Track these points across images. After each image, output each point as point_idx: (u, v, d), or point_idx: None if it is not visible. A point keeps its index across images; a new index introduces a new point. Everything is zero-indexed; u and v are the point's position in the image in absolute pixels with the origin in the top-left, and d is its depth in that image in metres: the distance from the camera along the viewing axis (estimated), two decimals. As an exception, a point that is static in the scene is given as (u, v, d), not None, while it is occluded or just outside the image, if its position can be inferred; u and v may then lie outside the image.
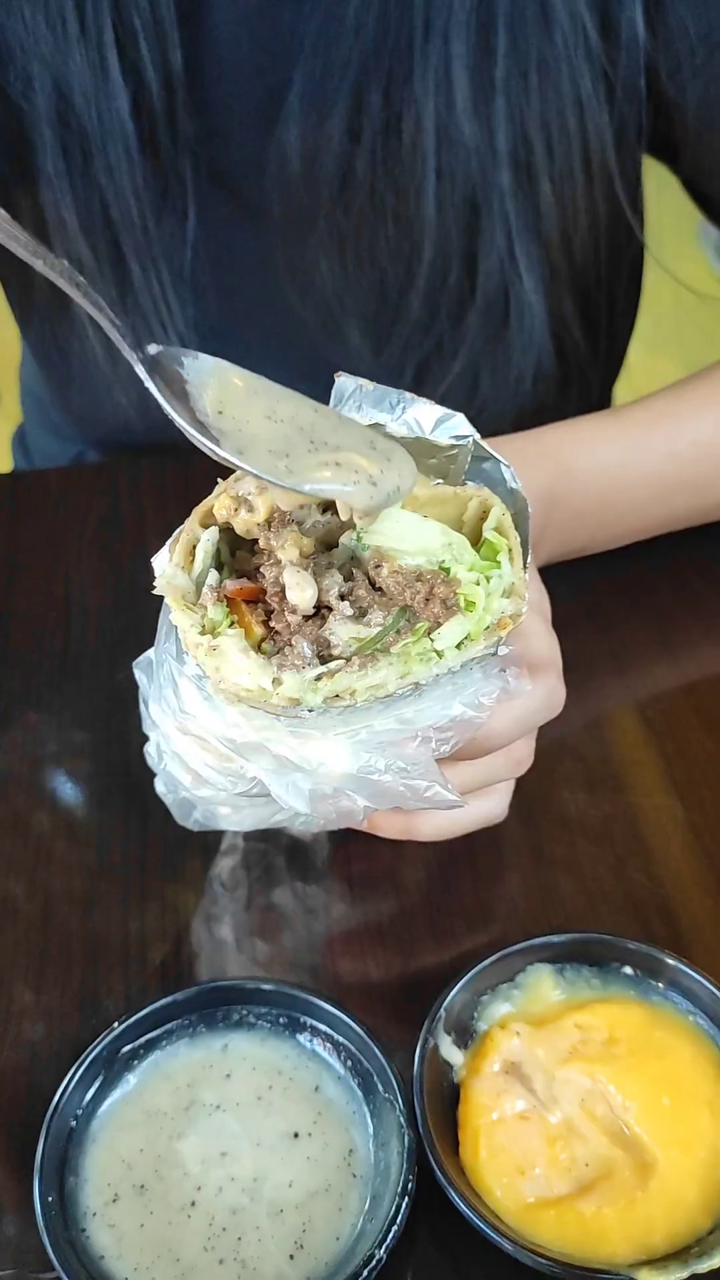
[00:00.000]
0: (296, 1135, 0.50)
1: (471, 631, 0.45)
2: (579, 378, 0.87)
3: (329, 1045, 0.52)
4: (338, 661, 0.44)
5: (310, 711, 0.44)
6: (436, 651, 0.45)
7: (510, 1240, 0.46)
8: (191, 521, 0.47)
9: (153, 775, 0.59)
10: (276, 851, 0.61)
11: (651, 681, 0.72)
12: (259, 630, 0.45)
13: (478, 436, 0.49)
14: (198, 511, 0.47)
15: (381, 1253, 0.45)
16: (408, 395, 0.48)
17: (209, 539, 0.46)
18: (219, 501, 0.47)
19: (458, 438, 0.48)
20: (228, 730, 0.46)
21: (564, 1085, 0.50)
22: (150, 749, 0.57)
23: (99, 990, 0.56)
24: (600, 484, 0.69)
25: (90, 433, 0.91)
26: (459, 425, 0.48)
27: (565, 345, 0.84)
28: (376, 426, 0.48)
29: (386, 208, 0.75)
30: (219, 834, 0.62)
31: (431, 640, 0.45)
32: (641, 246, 0.86)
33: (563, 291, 0.81)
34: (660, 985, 0.54)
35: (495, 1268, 0.47)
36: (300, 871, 0.61)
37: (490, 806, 0.56)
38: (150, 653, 0.51)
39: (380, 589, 0.46)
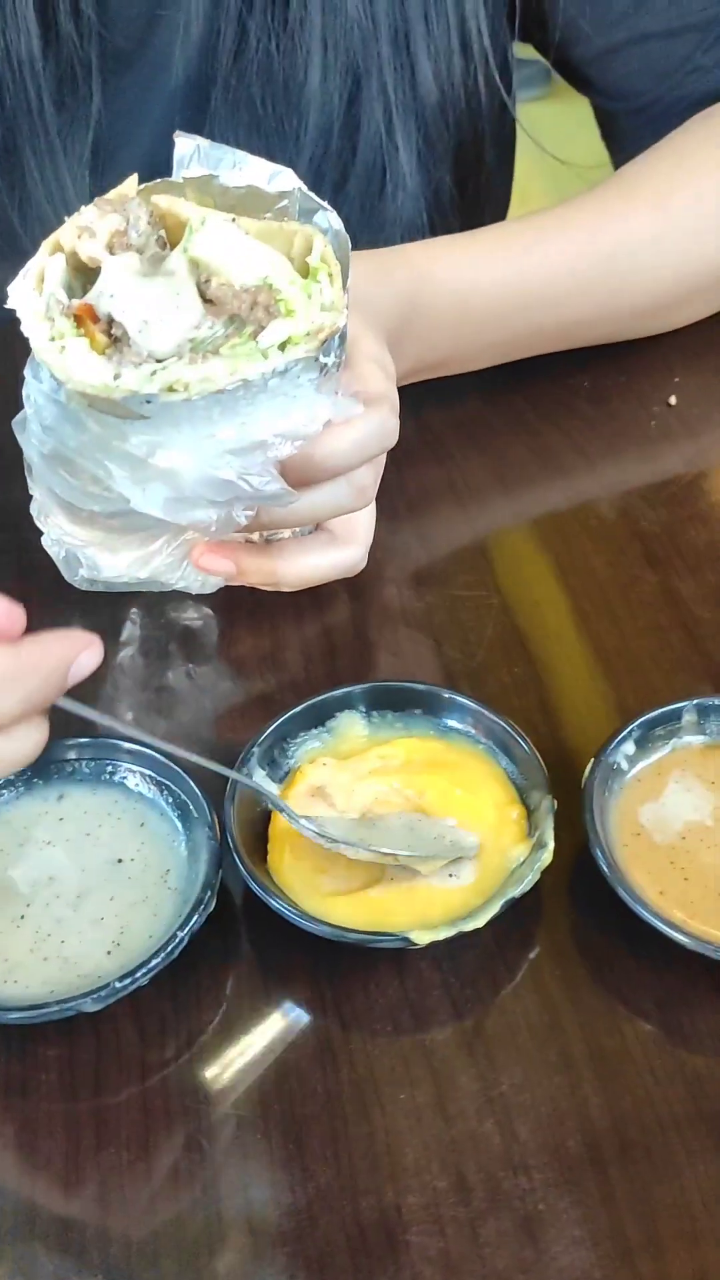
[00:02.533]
0: (120, 861, 0.55)
1: (293, 335, 0.52)
2: None
3: (153, 786, 0.57)
4: (171, 359, 0.51)
5: (148, 404, 0.50)
6: (262, 353, 0.51)
7: (304, 917, 0.51)
8: (41, 252, 0.54)
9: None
10: (170, 639, 0.67)
11: (489, 511, 0.77)
12: (103, 340, 0.52)
13: (304, 187, 0.56)
14: (47, 243, 0.54)
15: (183, 934, 0.50)
16: (241, 154, 0.57)
17: (57, 264, 0.53)
18: (64, 232, 0.54)
19: (285, 188, 0.56)
20: (84, 437, 0.52)
21: (362, 794, 0.56)
22: (33, 507, 0.62)
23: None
24: (458, 290, 0.74)
25: None
26: (288, 179, 0.56)
27: (439, 223, 0.90)
28: (209, 179, 0.56)
29: (277, 75, 0.82)
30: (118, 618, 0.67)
31: (256, 342, 0.51)
32: (514, 133, 0.92)
33: (438, 169, 0.88)
34: (457, 725, 0.59)
35: (294, 949, 0.53)
36: (190, 655, 0.66)
37: (351, 552, 0.62)
38: (24, 410, 0.57)
39: (210, 300, 0.52)
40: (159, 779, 0.57)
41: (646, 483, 0.77)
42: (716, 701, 0.58)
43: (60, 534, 0.61)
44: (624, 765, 0.57)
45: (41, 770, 0.57)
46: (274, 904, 0.52)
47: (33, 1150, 0.48)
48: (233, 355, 0.51)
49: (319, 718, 0.59)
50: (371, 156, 0.85)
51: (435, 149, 0.87)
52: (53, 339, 0.51)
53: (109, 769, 0.58)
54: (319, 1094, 0.49)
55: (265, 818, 0.57)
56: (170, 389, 0.50)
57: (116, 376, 0.50)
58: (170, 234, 0.55)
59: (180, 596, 0.67)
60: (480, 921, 0.51)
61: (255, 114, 0.84)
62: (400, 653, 0.67)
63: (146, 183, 0.56)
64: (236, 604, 0.68)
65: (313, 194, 0.56)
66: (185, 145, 0.57)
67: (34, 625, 0.46)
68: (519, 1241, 0.44)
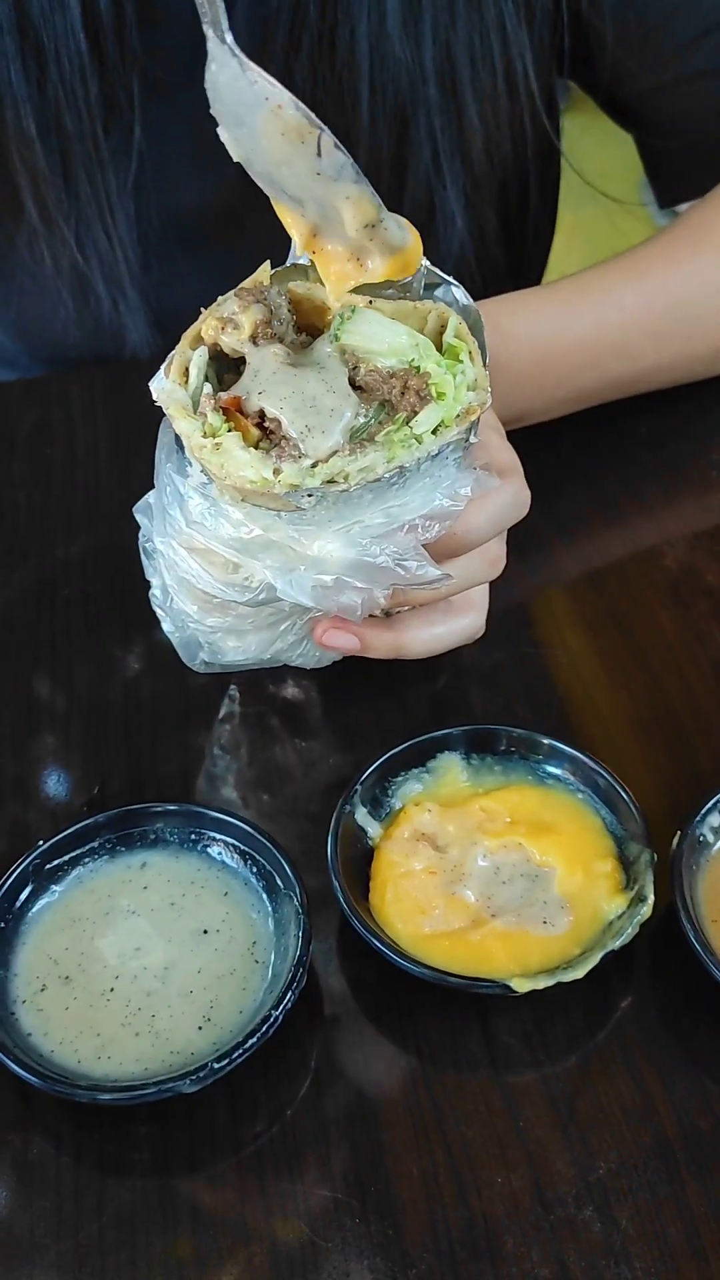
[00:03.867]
0: (205, 932, 0.55)
1: (444, 418, 0.52)
2: (497, 292, 0.93)
3: (236, 855, 0.57)
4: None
5: (309, 497, 0.50)
6: (416, 438, 0.51)
7: (404, 958, 0.52)
8: (182, 345, 0.53)
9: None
10: (272, 713, 0.67)
11: (550, 563, 0.77)
12: (255, 433, 0.51)
13: (428, 263, 0.55)
14: (187, 336, 0.54)
15: (278, 1013, 0.50)
16: None
17: (200, 356, 0.53)
18: (205, 324, 0.53)
19: None
20: (235, 531, 0.52)
21: (471, 847, 0.57)
22: (155, 592, 0.61)
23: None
24: (534, 348, 0.75)
25: (29, 344, 0.96)
26: None
27: (484, 259, 0.90)
28: None
29: (325, 117, 0.81)
30: (218, 701, 0.67)
31: (410, 428, 0.51)
32: (559, 170, 0.92)
33: (484, 206, 0.88)
34: (555, 772, 0.60)
35: (395, 990, 0.54)
36: (294, 729, 0.66)
37: (471, 620, 0.62)
38: (149, 496, 0.57)
39: (360, 387, 0.52)
40: (244, 848, 0.57)
41: (709, 533, 0.77)
42: None
43: (184, 620, 0.60)
44: (710, 838, 0.57)
45: (125, 837, 0.57)
46: (381, 948, 0.52)
47: (132, 1230, 0.48)
48: (388, 443, 0.50)
49: (420, 758, 0.60)
50: (420, 196, 0.85)
51: (481, 187, 0.87)
52: (205, 434, 0.50)
53: (193, 837, 0.57)
54: (415, 1175, 0.49)
55: (367, 856, 0.57)
56: (330, 481, 0.50)
57: (276, 472, 0.49)
58: (302, 318, 0.54)
59: (279, 671, 0.67)
60: (580, 972, 0.51)
61: None
62: (470, 712, 0.67)
63: (276, 268, 0.55)
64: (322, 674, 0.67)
65: (437, 269, 0.56)
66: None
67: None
68: (624, 1332, 0.45)
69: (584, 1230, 0.47)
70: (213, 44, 0.47)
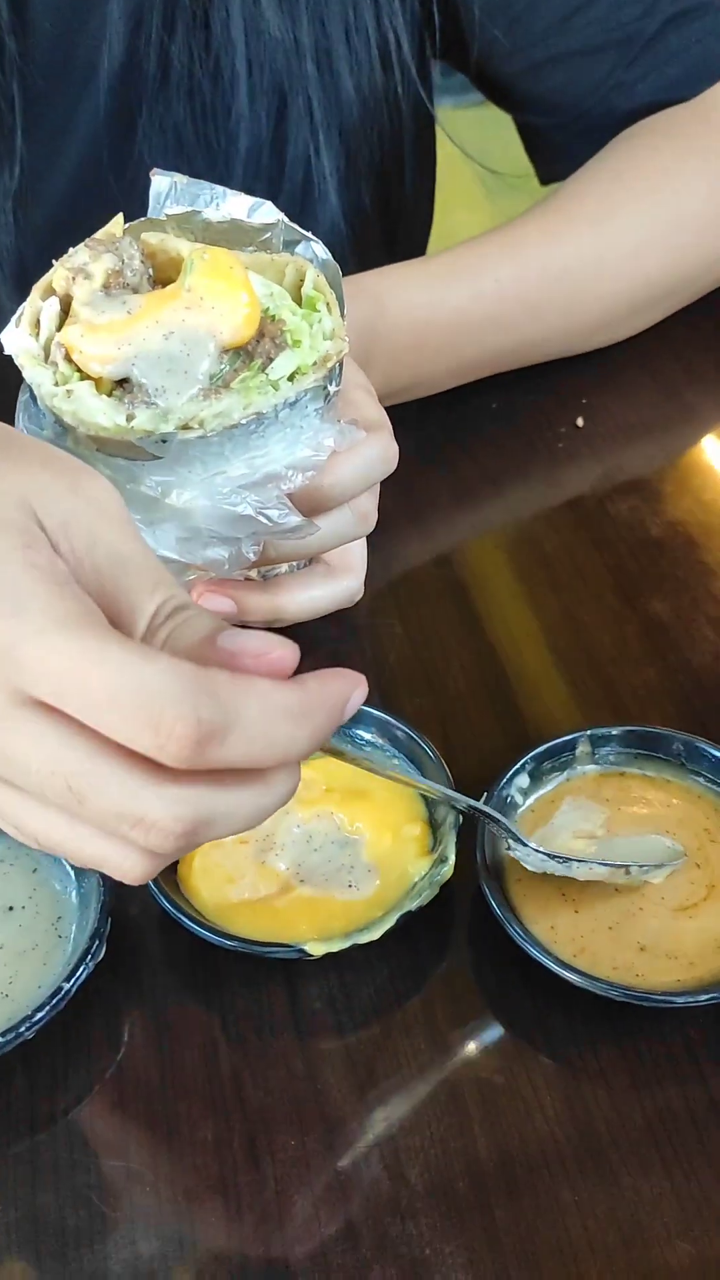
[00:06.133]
0: (11, 909, 0.55)
1: (301, 365, 0.52)
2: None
3: (45, 831, 0.56)
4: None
5: (164, 444, 0.49)
6: (272, 384, 0.51)
7: (206, 927, 0.52)
8: (32, 296, 0.53)
9: None
10: None
11: (397, 539, 0.76)
12: (109, 383, 0.51)
13: (286, 219, 0.56)
14: (38, 287, 0.54)
15: (70, 985, 0.50)
16: (218, 189, 0.56)
17: (51, 307, 0.53)
18: (56, 275, 0.53)
19: (269, 220, 0.56)
20: None
21: (285, 817, 0.57)
22: None
23: None
24: (411, 319, 0.75)
25: None
26: (269, 212, 0.56)
27: (362, 235, 0.90)
28: (192, 214, 0.56)
29: (204, 98, 0.82)
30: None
31: (267, 374, 0.51)
32: (434, 141, 0.93)
33: (361, 182, 0.88)
34: (370, 739, 0.60)
35: (203, 961, 0.54)
36: None
37: (349, 583, 0.63)
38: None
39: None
40: (51, 824, 0.56)
41: (552, 507, 0.78)
42: (610, 731, 0.59)
43: None
44: (518, 799, 0.57)
45: (-68, 817, 0.57)
46: (171, 910, 0.52)
47: None
48: (244, 389, 0.51)
49: None
50: (298, 173, 0.85)
51: (357, 162, 0.87)
52: (58, 383, 0.50)
53: None
54: (208, 1143, 0.49)
55: None
56: (186, 427, 0.50)
57: (129, 418, 0.49)
58: (159, 272, 0.55)
59: None
60: (375, 934, 0.51)
61: (183, 138, 0.84)
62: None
63: (130, 221, 0.55)
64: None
65: (296, 225, 0.56)
66: (162, 181, 0.56)
67: None
68: (404, 1288, 0.45)
69: (373, 1189, 0.47)
70: None
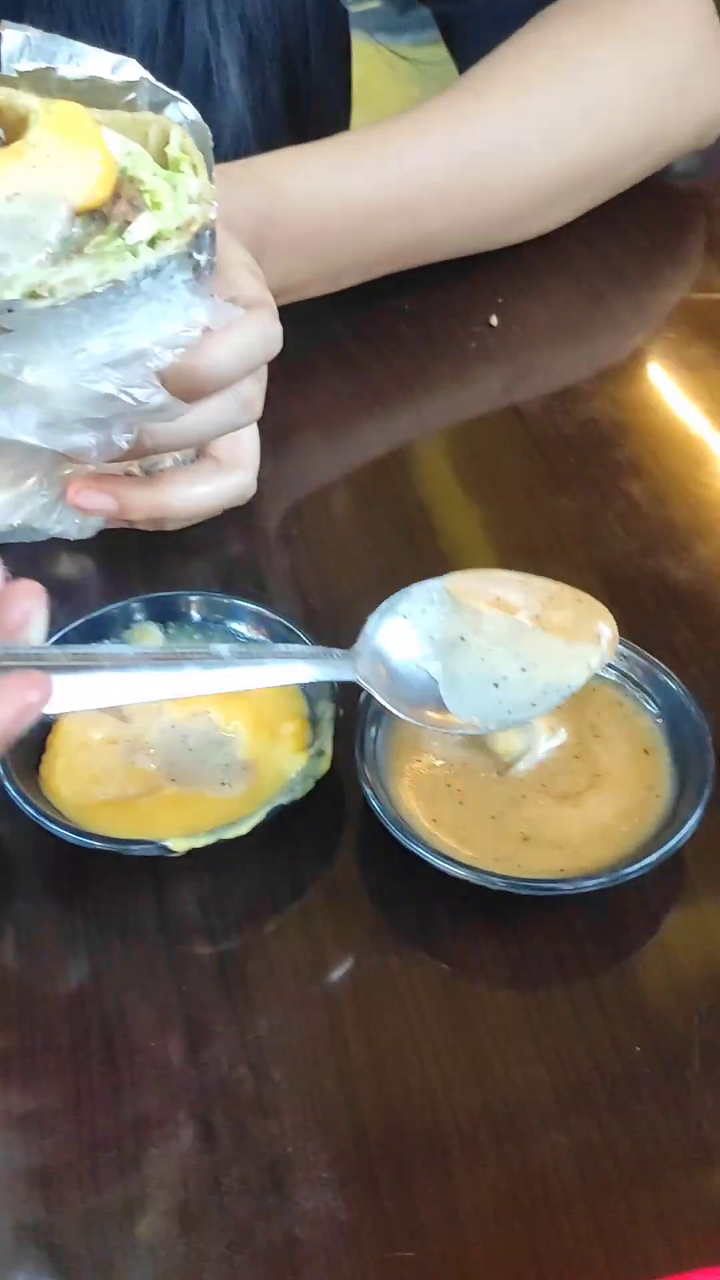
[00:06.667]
0: None
1: (162, 230, 0.48)
2: None
3: None
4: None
5: (10, 313, 0.45)
6: (131, 250, 0.47)
7: (60, 825, 0.49)
8: None
9: None
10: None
11: (300, 446, 0.74)
12: None
13: (151, 77, 0.52)
14: None
15: None
16: (78, 45, 0.52)
17: None
18: None
19: (131, 79, 0.52)
20: None
21: (158, 716, 0.54)
22: None
23: None
24: (312, 205, 0.70)
25: None
26: (133, 69, 0.52)
27: (267, 129, 0.86)
28: (47, 70, 0.51)
29: None
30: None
31: (124, 239, 0.47)
32: (347, 30, 0.89)
33: (265, 72, 0.84)
34: (251, 635, 0.57)
35: (69, 862, 0.51)
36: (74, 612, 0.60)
37: (239, 478, 0.59)
38: None
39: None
40: None
41: (461, 407, 0.75)
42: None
43: None
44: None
45: None
46: (28, 810, 0.49)
47: None
48: (99, 255, 0.47)
49: (112, 629, 0.57)
50: (197, 63, 0.81)
51: (260, 52, 0.83)
52: None
53: None
54: (64, 1047, 0.46)
55: (46, 729, 0.54)
56: (34, 294, 0.45)
57: None
58: (9, 131, 0.50)
59: (55, 547, 0.61)
60: (243, 829, 0.49)
61: (73, 24, 0.79)
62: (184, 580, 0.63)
63: None
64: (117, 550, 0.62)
65: (162, 85, 0.52)
66: (13, 37, 0.52)
67: None
68: (263, 1187, 0.42)
69: (235, 1088, 0.45)
70: None
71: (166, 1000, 0.47)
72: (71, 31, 0.79)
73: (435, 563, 0.65)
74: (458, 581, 0.53)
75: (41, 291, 0.46)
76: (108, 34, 0.80)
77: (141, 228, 0.48)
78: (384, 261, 0.76)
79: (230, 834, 0.49)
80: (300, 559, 0.65)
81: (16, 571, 0.61)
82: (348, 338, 0.78)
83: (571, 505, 0.68)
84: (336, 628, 0.60)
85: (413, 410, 0.75)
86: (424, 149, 0.74)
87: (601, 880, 0.47)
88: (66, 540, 0.59)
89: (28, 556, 0.61)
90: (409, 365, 0.77)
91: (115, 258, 0.47)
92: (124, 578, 0.63)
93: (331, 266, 0.74)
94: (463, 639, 0.52)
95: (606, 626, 0.51)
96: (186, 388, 0.51)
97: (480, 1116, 0.44)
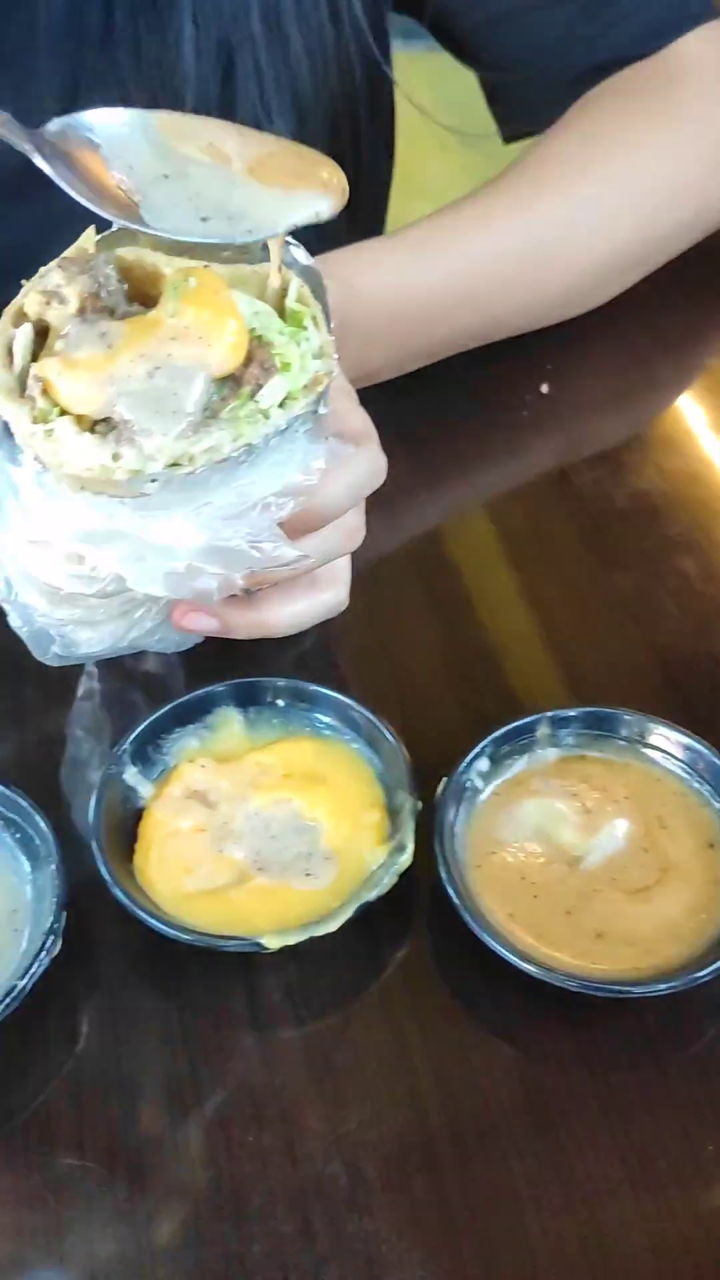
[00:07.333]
0: (-36, 906, 0.54)
1: (291, 390, 0.49)
2: (331, 237, 0.91)
3: (-1, 821, 0.56)
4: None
5: (153, 482, 0.46)
6: (263, 413, 0.48)
7: (162, 920, 0.51)
8: (3, 322, 0.49)
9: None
10: (133, 688, 0.64)
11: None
12: (90, 418, 0.47)
13: None
14: (8, 312, 0.49)
15: (24, 983, 0.49)
16: None
17: (25, 334, 0.49)
18: (28, 299, 0.49)
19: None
20: (77, 521, 0.48)
21: (242, 804, 0.56)
22: None
23: None
24: (385, 301, 0.73)
25: None
26: None
27: None
28: None
29: (149, 59, 0.79)
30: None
31: (256, 402, 0.48)
32: (393, 100, 0.90)
33: (313, 143, 0.85)
34: (330, 721, 0.59)
35: (161, 953, 0.53)
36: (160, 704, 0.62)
37: (334, 594, 0.60)
38: None
39: None
40: (4, 814, 0.55)
41: (515, 478, 0.76)
42: (570, 713, 0.58)
43: (32, 614, 0.56)
44: (478, 783, 0.56)
45: None
46: (127, 903, 0.51)
47: None
48: (234, 420, 0.47)
49: (195, 714, 0.59)
50: None
51: (309, 123, 0.85)
52: (35, 421, 0.47)
53: (-49, 805, 0.56)
54: (165, 1141, 0.48)
55: (136, 817, 0.56)
56: (174, 464, 0.46)
57: (115, 457, 0.46)
58: (134, 286, 0.51)
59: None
60: (333, 926, 0.51)
61: (128, 96, 0.81)
62: (260, 660, 0.66)
63: (102, 233, 0.51)
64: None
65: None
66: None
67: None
68: (361, 1285, 0.45)
69: (330, 1185, 0.47)
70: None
71: (262, 1093, 0.49)
72: (127, 101, 0.81)
73: (491, 637, 0.67)
74: (167, 120, 0.52)
75: (182, 461, 0.47)
76: (160, 104, 0.81)
77: (273, 391, 0.48)
78: (448, 347, 0.78)
79: (321, 931, 0.51)
80: (362, 637, 0.67)
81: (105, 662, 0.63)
82: (409, 410, 0.79)
83: (625, 581, 0.70)
84: (403, 707, 0.62)
85: (465, 479, 0.77)
86: (488, 239, 0.76)
87: (673, 984, 0.49)
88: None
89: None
90: (462, 432, 0.79)
91: (248, 422, 0.47)
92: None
93: (400, 355, 0.76)
94: (165, 178, 0.50)
95: (331, 173, 0.52)
96: (299, 526, 0.52)
97: (563, 1215, 0.46)
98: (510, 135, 0.93)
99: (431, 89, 0.94)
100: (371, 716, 0.58)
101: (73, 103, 0.80)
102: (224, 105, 0.82)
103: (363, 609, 0.68)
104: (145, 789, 0.57)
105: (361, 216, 0.96)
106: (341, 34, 0.81)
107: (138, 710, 0.63)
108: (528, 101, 0.88)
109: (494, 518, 0.74)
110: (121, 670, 0.65)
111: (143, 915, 0.51)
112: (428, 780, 0.56)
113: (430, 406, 0.79)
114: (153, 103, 0.81)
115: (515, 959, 0.50)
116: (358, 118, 0.87)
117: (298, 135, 0.84)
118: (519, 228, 0.76)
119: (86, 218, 0.49)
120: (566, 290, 0.79)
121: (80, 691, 0.64)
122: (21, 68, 0.79)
